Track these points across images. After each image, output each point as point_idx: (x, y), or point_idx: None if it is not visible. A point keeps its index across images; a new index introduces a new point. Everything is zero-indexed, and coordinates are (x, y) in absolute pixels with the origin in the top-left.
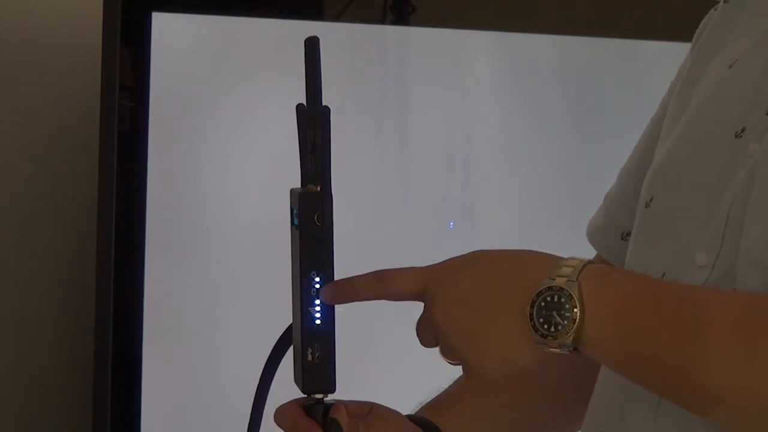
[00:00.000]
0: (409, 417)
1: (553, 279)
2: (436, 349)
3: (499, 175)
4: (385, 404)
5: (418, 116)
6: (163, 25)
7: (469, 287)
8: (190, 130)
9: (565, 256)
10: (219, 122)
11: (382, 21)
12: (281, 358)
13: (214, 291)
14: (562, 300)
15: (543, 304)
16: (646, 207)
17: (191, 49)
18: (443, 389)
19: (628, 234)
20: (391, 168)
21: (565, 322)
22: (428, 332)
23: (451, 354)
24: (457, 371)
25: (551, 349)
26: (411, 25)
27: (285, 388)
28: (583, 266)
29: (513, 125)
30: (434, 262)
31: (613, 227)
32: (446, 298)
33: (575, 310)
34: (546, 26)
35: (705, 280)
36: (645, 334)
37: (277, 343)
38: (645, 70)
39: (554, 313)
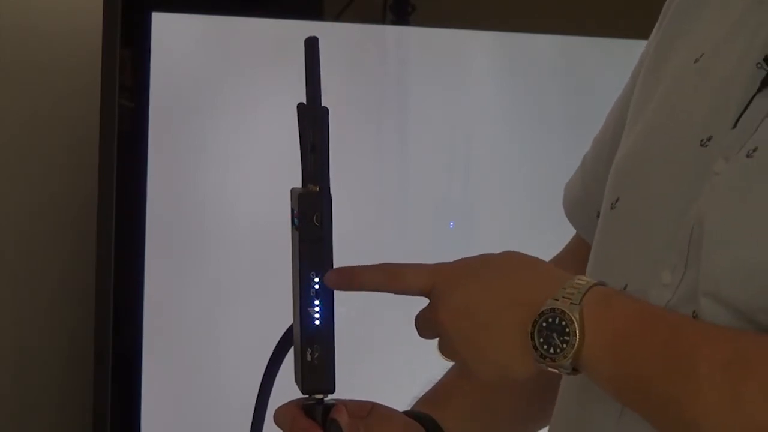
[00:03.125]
0: (407, 413)
1: (557, 300)
2: (435, 347)
3: (499, 175)
4: (385, 404)
5: (418, 116)
6: (163, 25)
7: (476, 298)
8: (190, 130)
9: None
10: (219, 122)
11: (382, 21)
12: (283, 359)
13: (214, 291)
14: (563, 323)
15: (545, 324)
16: (611, 208)
17: (191, 49)
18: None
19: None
20: (391, 168)
21: (565, 345)
22: (429, 328)
23: (448, 353)
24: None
25: (550, 369)
26: (411, 25)
27: (285, 389)
28: (588, 288)
29: (513, 125)
30: (434, 262)
31: (589, 204)
32: (452, 302)
33: (575, 334)
34: (546, 26)
35: (668, 300)
36: (637, 364)
37: (278, 343)
38: None
39: (555, 335)
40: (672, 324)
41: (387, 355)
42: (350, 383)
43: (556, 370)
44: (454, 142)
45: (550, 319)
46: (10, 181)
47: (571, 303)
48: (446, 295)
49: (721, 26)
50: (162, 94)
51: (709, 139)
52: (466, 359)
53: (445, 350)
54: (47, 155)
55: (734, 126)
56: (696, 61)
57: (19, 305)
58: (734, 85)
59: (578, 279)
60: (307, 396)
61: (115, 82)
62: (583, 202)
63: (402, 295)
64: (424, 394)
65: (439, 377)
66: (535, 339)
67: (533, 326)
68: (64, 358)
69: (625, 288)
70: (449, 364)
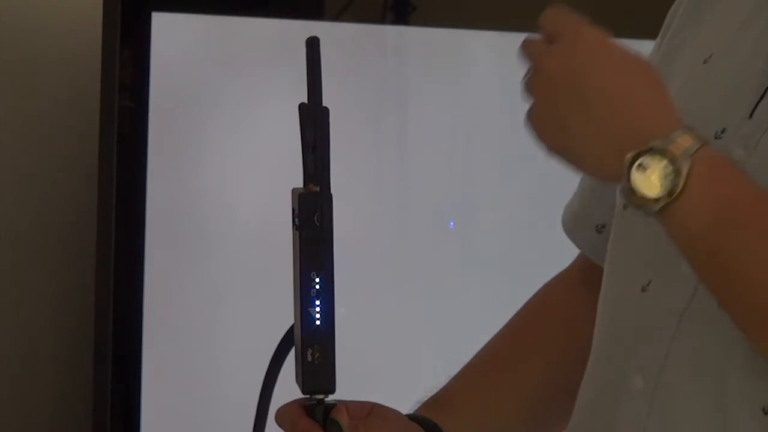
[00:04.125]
0: (409, 416)
1: (670, 143)
2: (436, 349)
3: (499, 175)
4: (385, 404)
5: (418, 116)
6: (163, 25)
7: (598, 78)
8: (190, 130)
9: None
10: (219, 122)
11: (382, 21)
12: (284, 359)
13: (214, 291)
14: (670, 170)
15: (650, 161)
16: (624, 208)
17: (191, 49)
18: (440, 386)
19: (603, 226)
20: (391, 168)
21: (662, 192)
22: (536, 58)
23: (531, 94)
24: (456, 371)
25: (629, 203)
26: (411, 25)
27: (286, 389)
28: (702, 144)
29: (513, 125)
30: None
31: (587, 219)
32: (570, 60)
33: (678, 187)
34: None
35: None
36: (735, 241)
37: (279, 343)
38: None
39: (655, 176)
40: None
41: (387, 356)
42: (351, 383)
43: (634, 207)
44: (454, 142)
45: (657, 159)
46: (11, 181)
47: (683, 153)
48: (569, 50)
49: (729, 27)
50: (162, 94)
51: (723, 131)
52: (541, 129)
53: (530, 90)
54: (47, 155)
55: (750, 116)
56: (705, 61)
57: (19, 305)
58: (747, 77)
59: (690, 128)
60: (307, 396)
61: (115, 82)
62: (581, 217)
63: (402, 296)
64: (427, 400)
65: (439, 377)
66: (633, 170)
67: (636, 156)
68: (64, 358)
69: (649, 284)
70: (448, 364)
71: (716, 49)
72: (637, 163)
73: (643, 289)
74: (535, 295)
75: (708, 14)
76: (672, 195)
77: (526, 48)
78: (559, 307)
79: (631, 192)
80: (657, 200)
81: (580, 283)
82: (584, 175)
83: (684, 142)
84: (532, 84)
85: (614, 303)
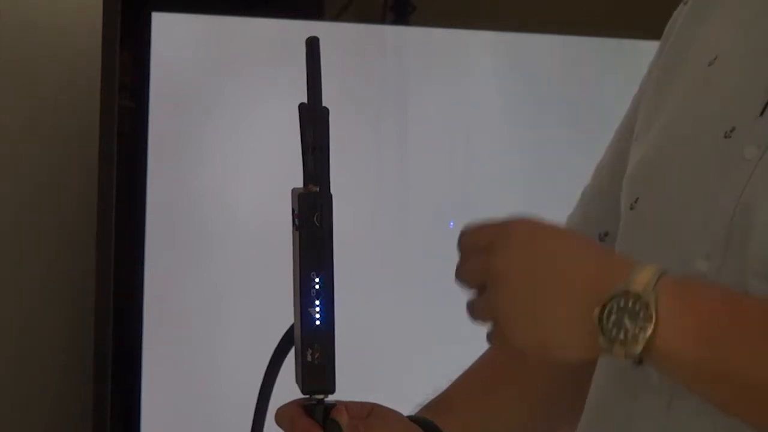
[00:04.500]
0: (410, 417)
1: (629, 284)
2: (435, 349)
3: (499, 175)
4: (385, 405)
5: (417, 116)
6: (163, 25)
7: (543, 261)
8: (190, 130)
9: None
10: (219, 122)
11: (382, 21)
12: (284, 359)
13: (214, 291)
14: (637, 308)
15: (616, 308)
16: (630, 209)
17: (191, 49)
18: (440, 390)
19: (606, 234)
20: (391, 168)
21: (637, 330)
22: (478, 268)
23: (487, 312)
24: (456, 371)
25: (615, 356)
26: (411, 25)
27: (286, 389)
28: (661, 274)
29: (513, 125)
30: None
31: (590, 227)
32: (518, 254)
33: (651, 319)
34: (546, 26)
35: None
36: (728, 350)
37: (279, 343)
38: (645, 70)
39: (626, 319)
40: (760, 306)
41: (387, 356)
42: (351, 383)
43: (621, 357)
44: (454, 142)
45: (623, 303)
46: (10, 181)
47: (645, 288)
48: (513, 244)
49: (733, 29)
50: (162, 94)
51: (732, 130)
52: (507, 323)
53: (484, 307)
54: (47, 155)
55: (761, 114)
56: (710, 64)
57: (19, 305)
58: (755, 77)
59: (647, 264)
60: (307, 396)
61: (115, 82)
62: (584, 226)
63: (402, 296)
64: (428, 402)
65: (439, 377)
66: (604, 323)
67: (602, 309)
68: (64, 358)
69: None
70: (448, 364)
71: (720, 51)
72: (605, 315)
73: None
74: None
75: (710, 19)
76: (648, 329)
77: (465, 274)
78: None
79: (610, 344)
80: (636, 340)
81: None
82: (585, 190)
83: (642, 278)
84: (486, 300)
85: None
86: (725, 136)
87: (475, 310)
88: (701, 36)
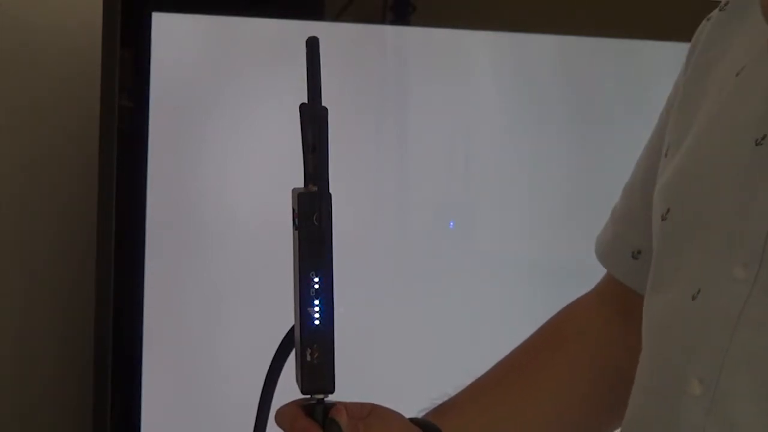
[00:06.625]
0: (411, 420)
1: None
2: (436, 349)
3: (499, 175)
4: (385, 405)
5: (417, 116)
6: (163, 25)
7: None
8: (190, 130)
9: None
10: (219, 122)
11: (382, 21)
12: (286, 359)
13: (214, 291)
14: None
15: None
16: (662, 219)
17: (191, 49)
18: (446, 397)
19: (639, 252)
20: (390, 168)
21: None
22: None
23: None
24: (459, 375)
25: None
26: (411, 25)
27: (286, 389)
28: None
29: (513, 125)
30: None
31: (622, 245)
32: None
33: None
34: (546, 26)
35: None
36: None
37: (280, 344)
38: (645, 70)
39: None
40: None
41: (387, 356)
42: (351, 383)
43: None
44: (454, 143)
45: None
46: (10, 181)
47: None
48: None
49: (759, 40)
50: (162, 94)
51: (763, 138)
52: None
53: None
54: (47, 155)
55: None
56: (737, 74)
57: (18, 305)
58: None
59: None
60: (307, 396)
61: (115, 82)
62: (616, 244)
63: (402, 296)
64: (435, 407)
65: (439, 377)
66: None
67: None
68: (64, 358)
69: (698, 293)
70: (448, 364)
71: (747, 62)
72: None
73: (693, 298)
74: (555, 317)
75: (737, 32)
76: None
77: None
78: (580, 327)
79: None
80: None
81: (601, 304)
82: (615, 207)
83: None
84: None
85: (663, 314)
86: (756, 144)
87: None
88: (729, 50)
